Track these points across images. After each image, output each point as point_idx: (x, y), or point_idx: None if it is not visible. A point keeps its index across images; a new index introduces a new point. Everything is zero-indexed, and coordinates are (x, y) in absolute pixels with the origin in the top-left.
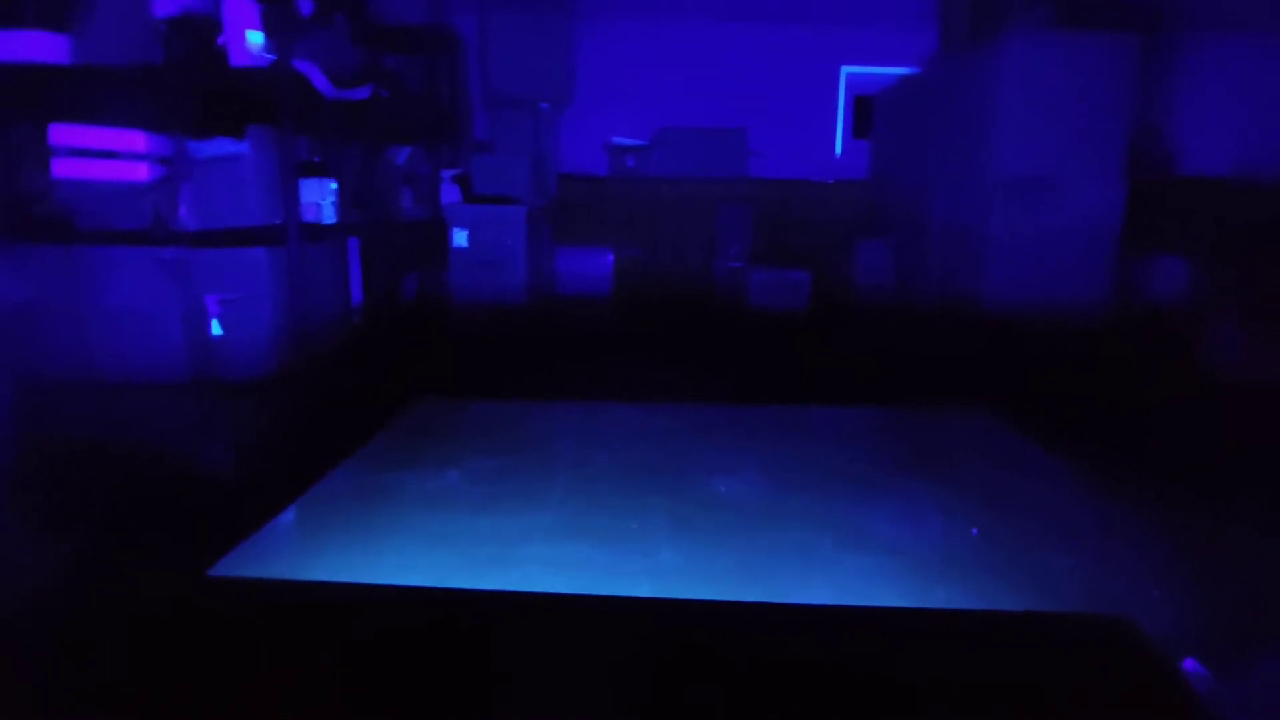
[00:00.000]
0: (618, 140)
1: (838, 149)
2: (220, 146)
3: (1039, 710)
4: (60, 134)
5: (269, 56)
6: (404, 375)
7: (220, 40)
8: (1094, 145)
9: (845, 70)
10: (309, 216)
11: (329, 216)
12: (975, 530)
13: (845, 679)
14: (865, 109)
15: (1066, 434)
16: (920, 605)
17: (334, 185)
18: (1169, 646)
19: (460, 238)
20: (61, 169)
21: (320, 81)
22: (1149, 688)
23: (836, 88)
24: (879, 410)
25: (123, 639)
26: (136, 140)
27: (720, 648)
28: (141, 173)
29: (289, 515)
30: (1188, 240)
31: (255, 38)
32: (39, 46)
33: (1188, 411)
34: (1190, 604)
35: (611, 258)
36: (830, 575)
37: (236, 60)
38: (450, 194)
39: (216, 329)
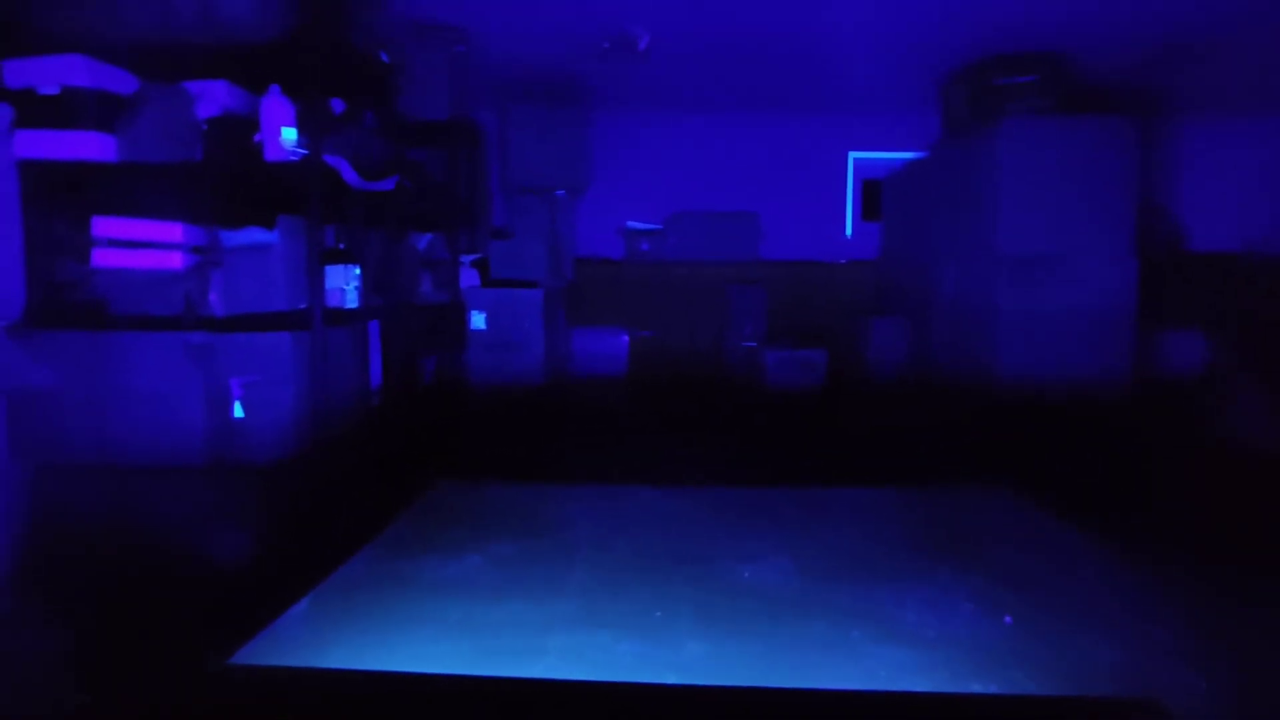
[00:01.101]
0: (632, 224)
1: (848, 230)
2: (251, 235)
3: None
4: (102, 226)
5: (301, 151)
6: (422, 458)
7: (256, 138)
8: (1101, 223)
9: (853, 156)
10: (333, 301)
11: (352, 301)
12: (1009, 619)
13: None
14: (873, 192)
15: (1090, 510)
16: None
17: (357, 271)
18: None
19: (478, 320)
20: (100, 258)
21: (348, 173)
22: None
23: (845, 172)
24: (901, 491)
25: None
26: (174, 231)
27: None
28: (176, 261)
29: (306, 603)
30: (1202, 314)
31: (289, 134)
32: (88, 146)
33: (1210, 483)
34: (1227, 686)
35: (626, 339)
36: (859, 665)
37: (271, 155)
38: (469, 278)
39: (239, 412)
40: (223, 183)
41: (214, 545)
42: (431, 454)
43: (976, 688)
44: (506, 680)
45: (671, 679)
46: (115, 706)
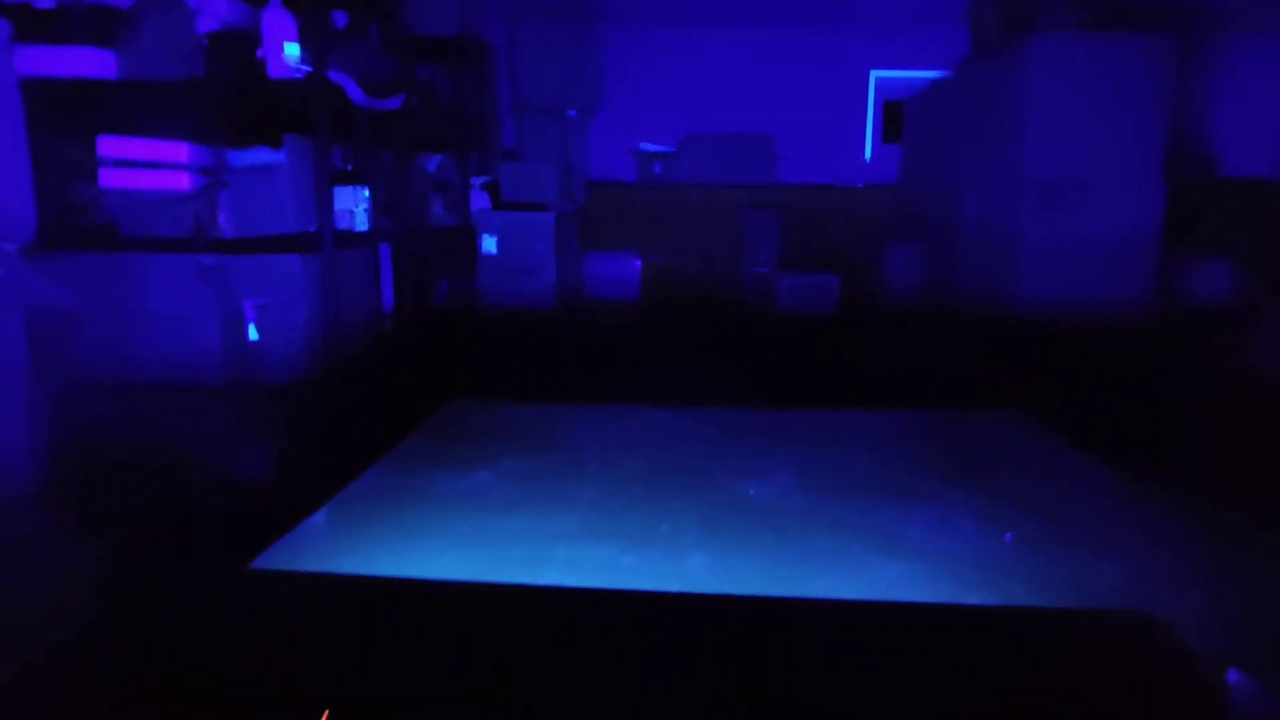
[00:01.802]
0: (645, 146)
1: (867, 154)
2: (258, 156)
3: (1065, 703)
4: (107, 146)
5: (305, 68)
6: (435, 379)
7: (259, 53)
8: (1132, 146)
9: (875, 75)
10: (342, 224)
11: (361, 224)
12: (1009, 536)
13: (874, 673)
14: (895, 113)
15: (1106, 437)
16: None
17: (366, 193)
18: (1210, 654)
19: (489, 244)
20: (108, 179)
21: (354, 91)
22: (1176, 682)
23: (866, 92)
24: (912, 414)
25: (165, 628)
26: (179, 151)
27: (748, 642)
28: (183, 182)
29: (322, 514)
30: (1230, 242)
31: (292, 50)
32: (87, 62)
33: (1231, 413)
34: (1231, 609)
35: (639, 263)
36: (861, 578)
37: (275, 72)
38: (480, 201)
39: (253, 334)
40: (226, 101)
41: (234, 462)
42: (443, 375)
43: (974, 601)
44: (512, 587)
45: (675, 589)
46: (144, 611)
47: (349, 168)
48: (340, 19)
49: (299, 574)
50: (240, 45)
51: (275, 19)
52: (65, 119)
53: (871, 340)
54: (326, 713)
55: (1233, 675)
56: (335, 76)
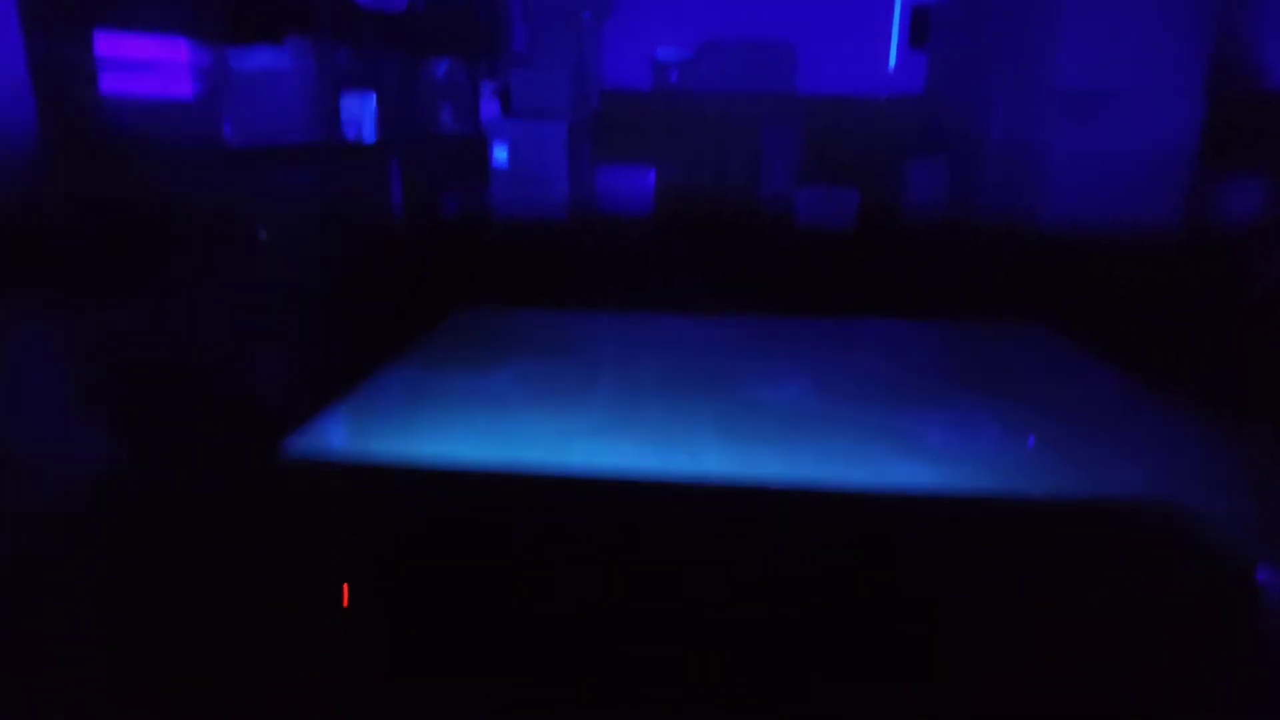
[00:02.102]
0: (662, 54)
1: (891, 62)
2: (260, 58)
3: (1088, 589)
4: (105, 44)
5: None
6: (446, 288)
7: None
8: (1171, 56)
9: None
10: (349, 133)
11: (369, 132)
12: (1032, 440)
13: (895, 564)
14: (923, 19)
15: (1128, 352)
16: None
17: (373, 99)
18: (1235, 547)
19: (500, 153)
20: (109, 83)
21: None
22: (1202, 574)
23: None
24: (933, 324)
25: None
26: (179, 49)
27: (757, 529)
28: (185, 86)
29: (341, 408)
30: (1268, 158)
31: None
32: None
33: (1256, 331)
34: (1262, 509)
35: (653, 175)
36: (879, 478)
37: None
38: (490, 109)
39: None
40: None
41: (246, 365)
42: (455, 284)
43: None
44: (534, 475)
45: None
46: (178, 490)
47: (355, 74)
48: None
49: (322, 460)
50: None
51: None
52: (59, 16)
53: (891, 255)
54: (346, 586)
55: (1262, 572)
56: None
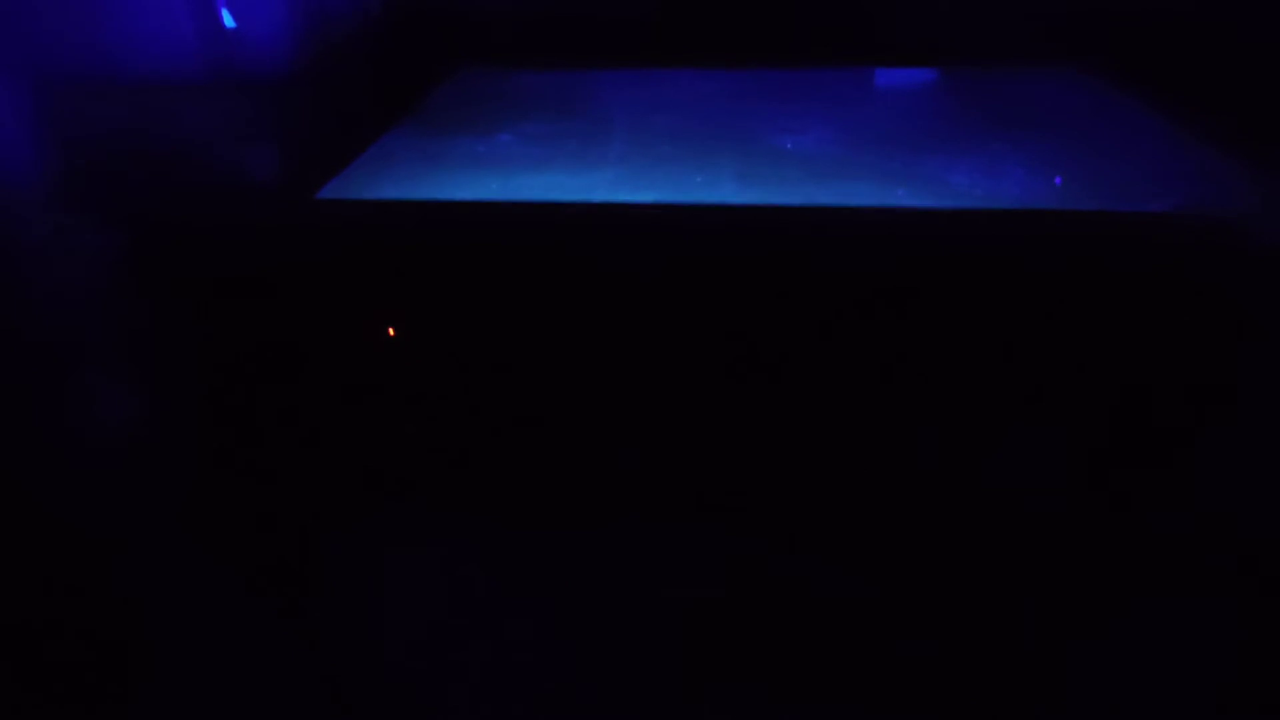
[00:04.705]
0: None
1: None
2: None
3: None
4: None
5: None
6: (436, 51)
7: None
8: None
9: None
10: None
11: None
12: (1059, 180)
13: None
14: None
15: (1178, 99)
16: None
17: None
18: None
19: None
20: None
21: None
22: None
23: None
24: (963, 70)
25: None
26: None
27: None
28: None
29: (346, 173)
30: None
31: None
32: None
33: None
34: None
35: None
36: None
37: None
38: None
39: (228, 20)
40: None
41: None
42: (445, 47)
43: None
44: (564, 204)
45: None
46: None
47: None
48: None
49: (356, 201)
50: None
51: None
52: None
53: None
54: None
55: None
56: None
